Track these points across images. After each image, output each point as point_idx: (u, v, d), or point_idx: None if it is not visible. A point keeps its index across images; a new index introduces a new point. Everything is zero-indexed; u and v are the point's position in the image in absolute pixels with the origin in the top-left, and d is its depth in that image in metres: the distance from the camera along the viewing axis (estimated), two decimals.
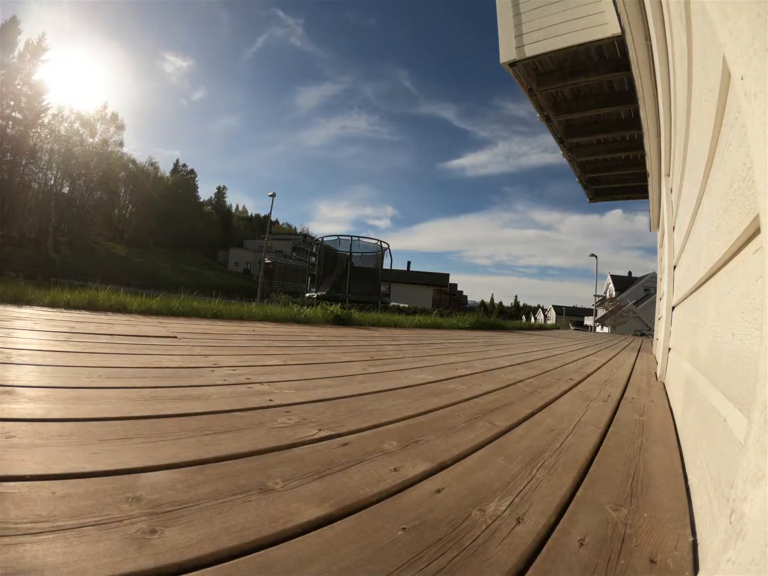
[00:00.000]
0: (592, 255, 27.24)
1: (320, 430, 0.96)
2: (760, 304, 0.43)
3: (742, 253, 0.56)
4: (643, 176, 4.72)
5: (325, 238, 12.33)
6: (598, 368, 2.99)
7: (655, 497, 0.77)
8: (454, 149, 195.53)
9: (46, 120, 35.65)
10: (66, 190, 39.26)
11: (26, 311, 2.96)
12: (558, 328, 19.16)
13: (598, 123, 4.99)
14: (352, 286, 11.15)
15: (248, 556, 0.47)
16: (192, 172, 59.69)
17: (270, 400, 1.20)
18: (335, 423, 1.03)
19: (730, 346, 0.59)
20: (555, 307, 59.42)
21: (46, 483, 0.58)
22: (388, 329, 5.64)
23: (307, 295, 11.25)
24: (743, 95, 0.34)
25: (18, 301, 3.38)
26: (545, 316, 62.18)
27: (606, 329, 31.58)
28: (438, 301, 32.52)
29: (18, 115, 33.16)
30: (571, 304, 62.43)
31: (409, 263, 49.37)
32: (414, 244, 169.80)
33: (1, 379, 1.08)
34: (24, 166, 34.35)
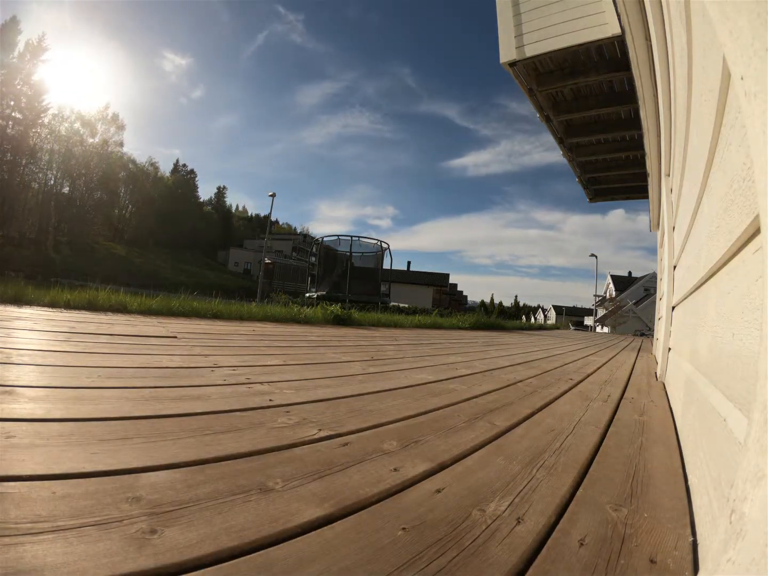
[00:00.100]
0: (592, 255, 27.26)
1: (320, 430, 0.96)
2: (760, 304, 0.43)
3: (742, 253, 0.56)
4: (643, 176, 4.72)
5: (325, 238, 12.33)
6: (598, 368, 2.99)
7: (655, 497, 0.77)
8: (457, 148, 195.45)
9: (46, 120, 35.68)
10: (66, 190, 39.29)
11: (26, 311, 2.96)
12: (558, 328, 19.16)
13: (598, 123, 4.99)
14: (352, 286, 11.15)
15: (248, 556, 0.47)
16: (192, 172, 59.75)
17: (270, 400, 1.20)
18: (335, 423, 1.03)
19: (730, 346, 0.59)
20: (555, 307, 59.42)
21: (46, 483, 0.58)
22: (388, 329, 5.64)
23: (307, 295, 11.25)
24: (743, 95, 0.34)
25: (18, 301, 3.38)
26: (545, 316, 62.18)
27: (606, 329, 31.58)
28: (438, 301, 32.52)
29: (18, 115, 33.18)
30: (571, 304, 62.52)
31: (409, 263, 49.43)
32: (415, 243, 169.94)
33: (1, 379, 1.08)
34: (24, 166, 34.36)
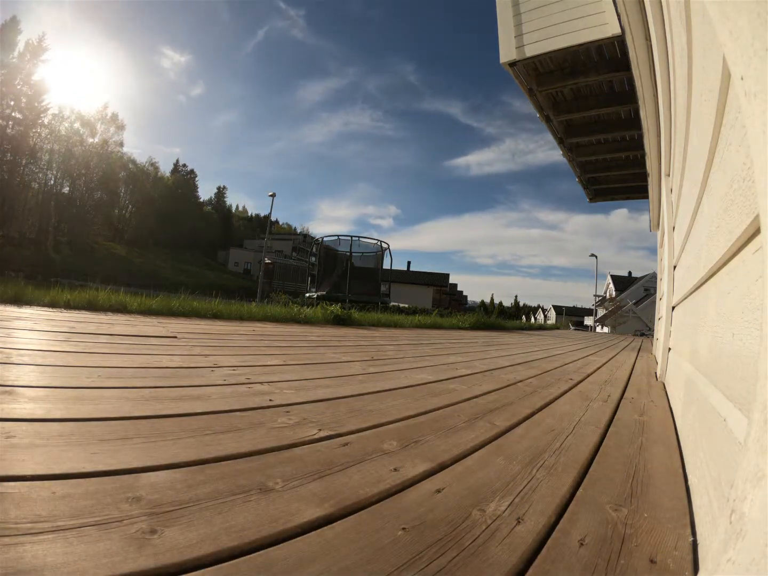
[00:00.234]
0: (592, 255, 27.27)
1: (320, 430, 0.96)
2: (760, 304, 0.43)
3: (742, 253, 0.56)
4: (643, 176, 4.72)
5: (325, 238, 12.34)
6: (598, 368, 2.99)
7: (655, 497, 0.77)
8: (460, 146, 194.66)
9: (46, 120, 35.67)
10: (66, 190, 39.28)
11: (26, 311, 2.96)
12: (558, 328, 19.16)
13: (598, 123, 4.99)
14: (352, 286, 11.15)
15: (248, 556, 0.47)
16: (192, 172, 59.77)
17: (270, 400, 1.20)
18: (335, 423, 1.03)
19: (730, 346, 0.59)
20: (555, 307, 59.42)
21: (46, 483, 0.58)
22: (388, 329, 5.64)
23: (307, 295, 11.25)
24: (743, 95, 0.34)
25: (18, 301, 3.38)
26: (545, 316, 62.18)
27: (606, 329, 31.58)
28: (438, 301, 32.53)
29: (18, 115, 33.18)
30: (571, 304, 62.52)
31: (409, 263, 49.45)
32: (417, 243, 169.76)
33: (1, 379, 1.08)
34: (24, 166, 34.36)
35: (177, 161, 59.99)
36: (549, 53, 3.72)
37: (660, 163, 3.08)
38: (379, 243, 12.50)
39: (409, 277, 33.38)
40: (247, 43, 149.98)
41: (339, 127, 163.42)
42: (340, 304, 7.19)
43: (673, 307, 2.27)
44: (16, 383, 1.06)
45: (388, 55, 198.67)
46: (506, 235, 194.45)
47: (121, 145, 44.97)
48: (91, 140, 41.32)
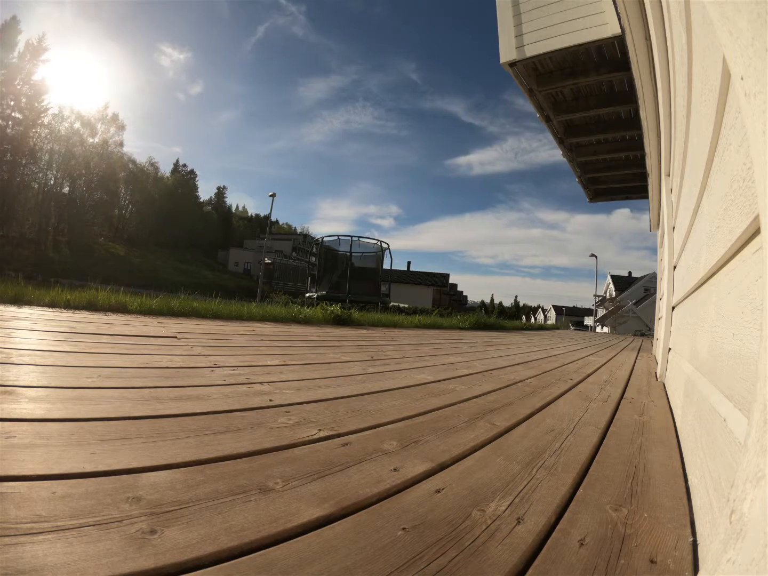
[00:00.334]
0: (592, 255, 27.28)
1: (320, 430, 0.96)
2: (760, 304, 0.43)
3: (742, 253, 0.56)
4: (643, 176, 4.72)
5: (325, 239, 12.35)
6: (598, 368, 2.99)
7: (655, 497, 0.77)
8: (462, 145, 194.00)
9: (46, 120, 35.66)
10: (66, 190, 39.25)
11: (26, 311, 2.96)
12: (558, 329, 19.15)
13: (598, 123, 4.99)
14: (351, 286, 11.16)
15: (248, 556, 0.47)
16: (192, 172, 59.68)
17: (270, 400, 1.20)
18: (335, 423, 1.03)
19: (730, 346, 0.59)
20: (555, 307, 59.43)
21: (46, 483, 0.58)
22: (388, 329, 5.64)
23: (307, 295, 11.25)
24: (743, 95, 0.34)
25: (18, 301, 3.38)
26: (545, 316, 62.18)
27: (606, 329, 31.58)
28: (438, 301, 32.52)
29: (18, 115, 33.16)
30: (571, 304, 62.51)
31: (409, 263, 49.42)
32: (418, 243, 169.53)
33: (1, 379, 1.08)
34: (24, 166, 34.33)
35: (177, 161, 59.92)
36: (549, 53, 3.72)
37: (660, 163, 3.08)
38: (379, 243, 12.51)
39: (409, 277, 33.40)
40: (247, 39, 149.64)
41: (341, 125, 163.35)
42: (340, 304, 7.19)
43: (673, 307, 2.26)
44: (16, 383, 1.06)
45: (390, 53, 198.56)
46: (507, 235, 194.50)
47: (121, 145, 44.98)
48: (91, 140, 41.32)
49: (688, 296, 1.46)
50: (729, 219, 0.61)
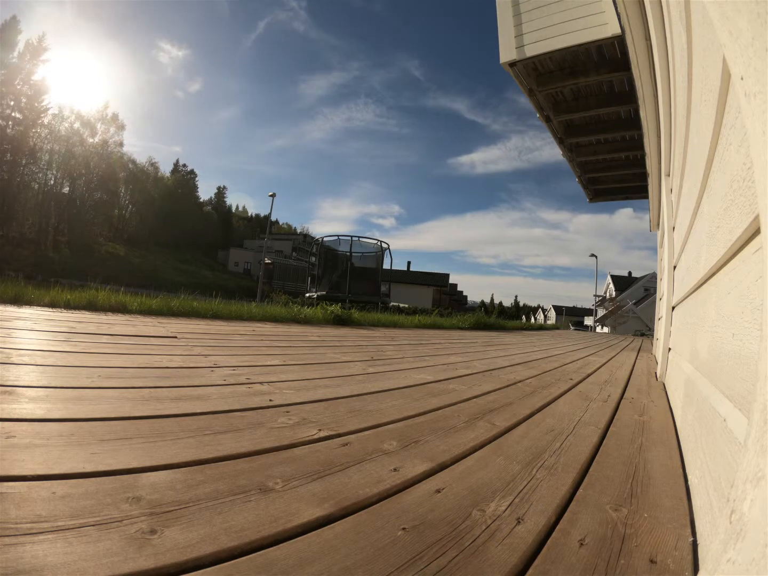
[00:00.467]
0: (592, 255, 27.28)
1: (320, 430, 0.96)
2: (760, 304, 0.43)
3: (742, 253, 0.56)
4: (643, 176, 4.72)
5: (325, 239, 12.35)
6: (598, 368, 2.99)
7: (655, 497, 0.77)
8: (465, 144, 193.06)
9: (46, 120, 35.65)
10: (66, 190, 39.24)
11: (26, 311, 2.96)
12: (558, 329, 19.15)
13: (598, 123, 4.99)
14: (351, 286, 11.15)
15: (248, 556, 0.47)
16: (192, 172, 59.65)
17: (270, 400, 1.20)
18: (335, 423, 1.03)
19: (730, 346, 0.59)
20: (555, 307, 59.43)
21: (46, 483, 0.58)
22: (388, 329, 5.64)
23: (307, 295, 11.25)
24: (743, 95, 0.34)
25: (18, 301, 3.38)
26: (545, 316, 62.18)
27: (606, 329, 31.58)
28: (438, 301, 32.51)
29: (18, 115, 33.15)
30: (572, 304, 62.51)
31: (409, 263, 49.38)
32: (419, 243, 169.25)
33: (1, 379, 1.08)
34: (24, 166, 34.32)
35: (177, 161, 59.90)
36: (549, 53, 3.72)
37: (660, 163, 3.08)
38: (379, 243, 12.51)
39: (409, 277, 33.39)
40: (247, 36, 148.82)
41: (342, 123, 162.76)
42: (340, 304, 7.19)
43: (673, 308, 2.27)
44: (16, 383, 1.06)
45: (392, 50, 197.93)
46: (509, 235, 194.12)
47: (121, 145, 44.94)
48: (91, 140, 41.30)
49: (688, 296, 1.46)
50: (729, 219, 0.61)
